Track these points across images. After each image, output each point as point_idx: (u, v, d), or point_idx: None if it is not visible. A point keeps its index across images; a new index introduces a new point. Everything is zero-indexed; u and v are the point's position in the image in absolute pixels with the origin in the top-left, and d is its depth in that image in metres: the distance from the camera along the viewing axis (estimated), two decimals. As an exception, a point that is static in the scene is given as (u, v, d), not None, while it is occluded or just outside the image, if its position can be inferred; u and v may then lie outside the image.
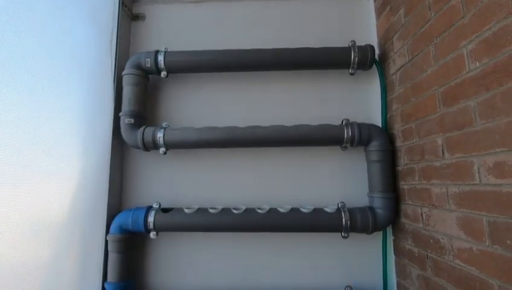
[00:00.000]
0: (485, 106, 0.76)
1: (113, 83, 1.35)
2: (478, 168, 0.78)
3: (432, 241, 1.00)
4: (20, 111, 0.91)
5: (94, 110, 1.27)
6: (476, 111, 0.79)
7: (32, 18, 0.97)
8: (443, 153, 0.93)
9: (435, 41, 0.96)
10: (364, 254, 1.32)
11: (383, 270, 1.29)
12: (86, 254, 1.21)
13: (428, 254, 1.02)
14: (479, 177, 0.78)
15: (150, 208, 1.29)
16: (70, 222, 1.12)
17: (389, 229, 1.31)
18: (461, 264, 0.85)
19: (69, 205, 1.12)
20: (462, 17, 0.83)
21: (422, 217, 1.06)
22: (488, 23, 0.74)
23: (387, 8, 1.31)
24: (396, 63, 1.24)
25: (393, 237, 1.30)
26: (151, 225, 1.25)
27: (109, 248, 1.25)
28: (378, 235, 1.31)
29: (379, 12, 1.41)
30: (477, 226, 0.79)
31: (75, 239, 1.14)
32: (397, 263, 1.27)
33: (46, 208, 1.01)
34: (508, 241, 0.69)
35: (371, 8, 1.49)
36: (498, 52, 0.71)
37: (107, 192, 1.28)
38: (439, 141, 0.95)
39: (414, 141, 1.11)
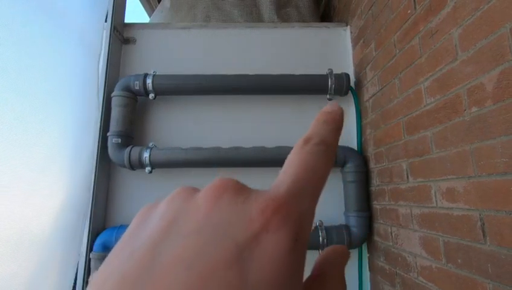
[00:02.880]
0: (439, 136, 0.85)
1: (101, 103, 1.41)
2: (435, 192, 0.87)
3: (400, 258, 1.07)
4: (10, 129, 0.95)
5: (80, 129, 1.32)
6: (432, 141, 0.89)
7: (26, 46, 1.03)
8: (407, 177, 1.02)
9: (399, 75, 1.07)
10: (341, 271, 1.38)
11: (359, 287, 1.34)
12: (67, 273, 1.22)
13: (397, 271, 1.09)
14: (436, 201, 0.86)
15: (134, 225, 1.32)
16: (51, 240, 1.13)
17: (365, 247, 1.38)
18: (424, 281, 0.92)
19: (50, 223, 1.13)
20: (420, 57, 0.94)
21: (392, 236, 1.13)
22: (439, 65, 0.84)
23: (361, 41, 1.43)
24: (369, 91, 1.35)
25: (368, 254, 1.37)
26: (134, 243, 1.27)
27: (92, 266, 1.27)
28: (355, 252, 1.37)
29: (355, 43, 1.53)
30: (435, 245, 0.86)
31: (56, 257, 1.16)
32: (372, 280, 1.33)
33: (25, 225, 1.02)
34: (459, 260, 0.77)
35: (347, 38, 1.61)
36: (447, 91, 0.81)
37: (89, 209, 1.31)
38: (404, 166, 1.04)
39: (384, 164, 1.20)
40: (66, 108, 1.24)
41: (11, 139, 0.94)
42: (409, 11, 1.01)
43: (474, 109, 0.72)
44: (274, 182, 0.15)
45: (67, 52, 1.25)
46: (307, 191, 0.15)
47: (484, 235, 0.69)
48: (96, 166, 1.34)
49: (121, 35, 1.59)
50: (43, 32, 1.12)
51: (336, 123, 0.18)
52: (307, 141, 0.17)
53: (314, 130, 0.17)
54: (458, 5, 0.78)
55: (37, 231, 1.07)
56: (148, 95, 1.43)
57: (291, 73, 1.43)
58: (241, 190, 0.14)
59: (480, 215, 0.70)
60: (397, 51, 1.09)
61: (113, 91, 1.41)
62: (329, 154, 0.17)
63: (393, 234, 1.12)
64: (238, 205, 0.13)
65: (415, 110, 0.97)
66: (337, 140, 0.18)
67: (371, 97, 1.33)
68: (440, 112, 0.84)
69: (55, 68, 1.17)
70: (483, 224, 0.69)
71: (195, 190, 0.15)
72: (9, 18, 0.95)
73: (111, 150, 1.36)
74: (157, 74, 1.43)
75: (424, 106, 0.92)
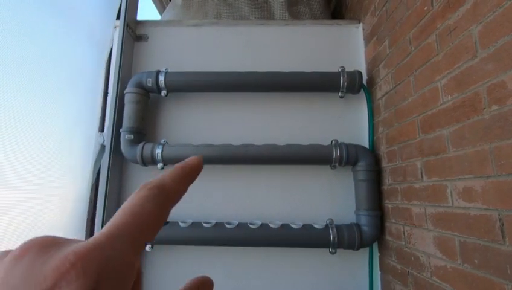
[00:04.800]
0: (456, 135, 0.84)
1: (115, 100, 1.42)
2: (451, 192, 0.86)
3: (412, 258, 1.06)
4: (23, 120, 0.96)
5: (86, 124, 1.33)
6: (448, 139, 0.87)
7: (37, 42, 1.04)
8: (422, 176, 1.01)
9: (415, 73, 1.06)
10: (351, 270, 1.37)
11: (369, 286, 1.34)
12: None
13: (410, 271, 1.08)
14: (452, 200, 0.85)
15: (146, 221, 1.33)
16: (65, 234, 1.16)
17: (375, 246, 1.37)
18: (438, 281, 0.91)
19: (63, 217, 1.16)
20: (437, 55, 0.93)
21: (404, 235, 1.12)
22: (457, 63, 0.83)
23: (374, 38, 1.41)
24: (382, 89, 1.33)
25: (379, 254, 1.36)
26: (146, 238, 1.29)
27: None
28: (365, 251, 1.36)
29: (367, 40, 1.52)
30: (450, 245, 0.85)
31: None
32: (382, 279, 1.32)
33: (37, 219, 1.03)
34: (476, 261, 0.76)
35: (360, 35, 1.59)
36: (465, 89, 0.80)
37: (103, 205, 1.33)
38: (418, 165, 1.03)
39: (397, 162, 1.18)
40: (73, 104, 1.24)
41: (19, 135, 0.95)
42: (425, 8, 0.99)
43: (494, 108, 0.71)
44: None
45: (75, 47, 1.26)
46: (124, 236, 0.15)
47: (503, 236, 0.67)
48: (109, 162, 1.36)
49: (134, 32, 1.60)
50: (53, 27, 1.12)
51: (183, 170, 0.20)
52: (144, 185, 0.18)
53: (159, 177, 0.18)
54: (478, 1, 0.76)
55: (48, 223, 1.08)
56: (160, 92, 1.44)
57: (303, 70, 1.42)
58: (48, 248, 0.14)
59: (499, 215, 0.69)
60: (412, 48, 1.07)
61: (125, 88, 1.43)
62: (159, 198, 0.18)
63: (406, 234, 1.11)
64: (36, 265, 0.14)
65: (431, 108, 0.95)
66: (179, 185, 0.19)
67: (383, 95, 1.31)
68: (457, 111, 0.83)
69: (62, 63, 1.18)
70: (503, 224, 0.68)
71: (7, 252, 0.16)
72: (21, 12, 0.96)
73: (124, 146, 1.37)
74: (169, 71, 1.44)
75: (441, 104, 0.91)
